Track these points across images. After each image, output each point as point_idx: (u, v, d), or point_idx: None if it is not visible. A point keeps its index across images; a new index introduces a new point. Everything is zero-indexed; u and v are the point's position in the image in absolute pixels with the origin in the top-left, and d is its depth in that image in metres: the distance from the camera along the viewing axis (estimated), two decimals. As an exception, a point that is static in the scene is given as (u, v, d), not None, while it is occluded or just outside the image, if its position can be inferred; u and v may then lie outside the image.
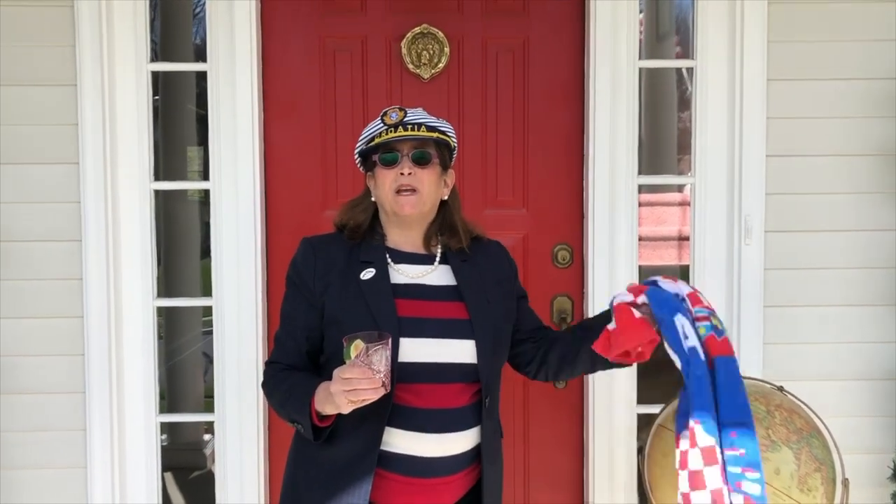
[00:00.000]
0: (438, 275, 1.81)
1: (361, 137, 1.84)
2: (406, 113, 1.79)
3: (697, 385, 1.55)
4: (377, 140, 1.77)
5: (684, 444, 1.48)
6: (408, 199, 1.76)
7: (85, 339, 2.57)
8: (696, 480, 1.46)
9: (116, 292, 2.60)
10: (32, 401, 2.59)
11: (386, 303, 1.72)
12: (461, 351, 1.74)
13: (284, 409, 1.76)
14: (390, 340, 1.59)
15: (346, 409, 1.59)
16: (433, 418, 1.71)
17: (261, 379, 2.57)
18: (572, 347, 1.86)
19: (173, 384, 4.98)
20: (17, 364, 2.58)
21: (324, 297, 1.76)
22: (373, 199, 1.83)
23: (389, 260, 1.80)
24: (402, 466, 1.71)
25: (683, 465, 1.46)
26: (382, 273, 1.77)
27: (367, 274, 1.77)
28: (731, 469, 1.48)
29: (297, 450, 1.83)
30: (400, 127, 1.76)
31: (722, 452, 1.51)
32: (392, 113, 1.79)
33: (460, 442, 1.74)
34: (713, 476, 1.48)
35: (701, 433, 1.50)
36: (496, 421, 1.84)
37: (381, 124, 1.79)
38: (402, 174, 1.76)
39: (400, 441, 1.70)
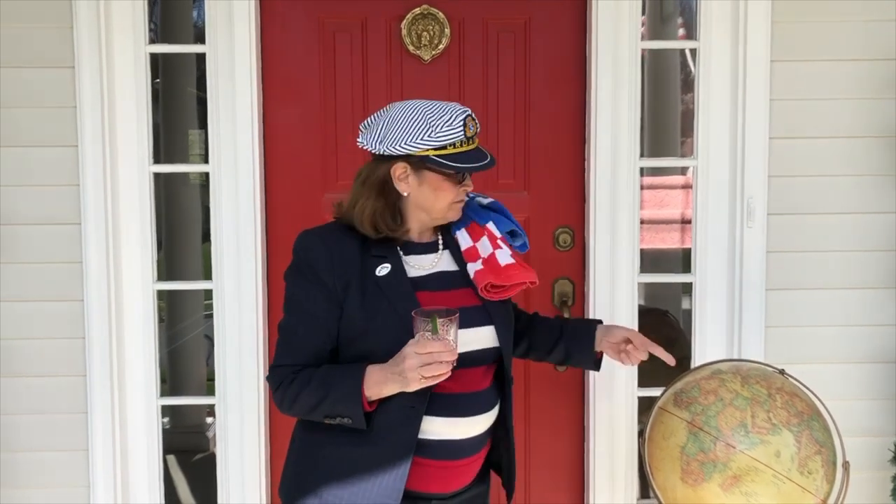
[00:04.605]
0: (445, 262, 1.80)
1: (427, 137, 1.66)
2: (476, 124, 1.73)
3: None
4: (451, 150, 1.66)
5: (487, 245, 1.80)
6: (460, 207, 1.77)
7: (85, 322, 2.57)
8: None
9: (117, 275, 2.59)
10: (33, 384, 2.59)
11: (408, 298, 1.68)
12: (483, 337, 1.75)
13: (323, 405, 1.66)
14: (458, 315, 1.59)
15: (417, 387, 1.58)
16: (464, 402, 1.72)
17: (262, 361, 2.61)
18: (550, 338, 1.99)
19: (176, 367, 4.99)
20: (17, 347, 2.58)
21: (345, 297, 1.68)
22: (405, 194, 1.72)
23: (401, 252, 1.76)
24: (435, 452, 1.71)
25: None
26: (398, 268, 1.72)
27: (383, 270, 1.71)
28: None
29: (314, 452, 1.75)
30: (472, 139, 1.71)
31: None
32: (470, 124, 1.70)
33: (486, 422, 1.78)
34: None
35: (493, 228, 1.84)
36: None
37: (462, 134, 1.67)
38: (465, 190, 1.74)
39: (435, 427, 1.70)
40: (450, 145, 1.66)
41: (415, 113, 1.68)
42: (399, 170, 1.70)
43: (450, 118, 1.67)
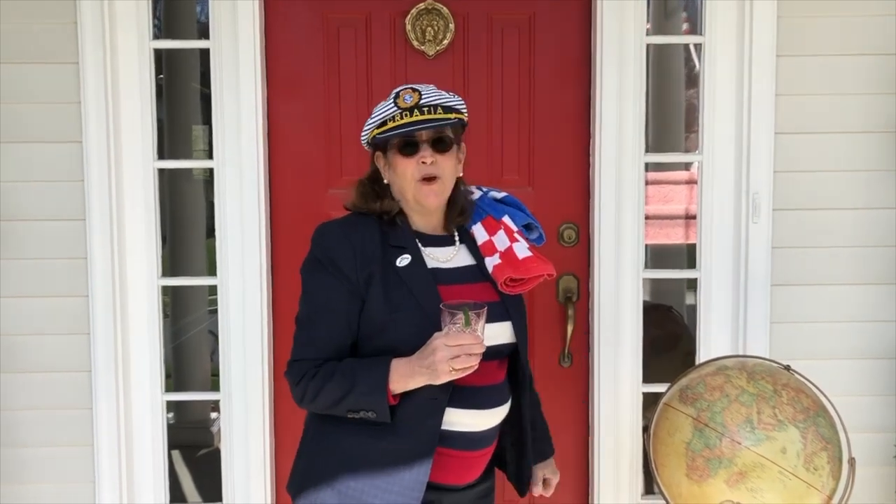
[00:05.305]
0: (462, 256, 1.81)
1: (371, 120, 1.75)
2: (421, 95, 1.71)
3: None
4: (390, 124, 1.70)
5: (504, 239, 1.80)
6: (431, 189, 1.71)
7: (90, 318, 2.58)
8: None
9: (121, 271, 2.59)
10: (38, 379, 2.60)
11: (430, 289, 1.69)
12: (500, 333, 1.75)
13: (347, 399, 1.65)
14: (486, 309, 1.61)
15: (446, 379, 1.60)
16: (483, 394, 1.74)
17: (266, 356, 2.61)
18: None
19: (180, 363, 5.00)
20: (22, 343, 2.59)
21: (367, 290, 1.68)
22: (386, 181, 1.77)
23: (419, 244, 1.76)
24: (455, 442, 1.72)
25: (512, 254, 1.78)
26: (418, 259, 1.73)
27: (403, 260, 1.71)
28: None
29: (331, 443, 1.74)
30: (416, 110, 1.68)
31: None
32: (406, 95, 1.70)
33: (502, 415, 1.79)
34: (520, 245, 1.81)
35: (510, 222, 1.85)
36: None
37: (395, 107, 1.71)
38: (423, 163, 1.69)
39: (456, 418, 1.71)
40: (389, 120, 1.70)
41: None
42: (377, 160, 1.78)
43: (387, 97, 1.74)
